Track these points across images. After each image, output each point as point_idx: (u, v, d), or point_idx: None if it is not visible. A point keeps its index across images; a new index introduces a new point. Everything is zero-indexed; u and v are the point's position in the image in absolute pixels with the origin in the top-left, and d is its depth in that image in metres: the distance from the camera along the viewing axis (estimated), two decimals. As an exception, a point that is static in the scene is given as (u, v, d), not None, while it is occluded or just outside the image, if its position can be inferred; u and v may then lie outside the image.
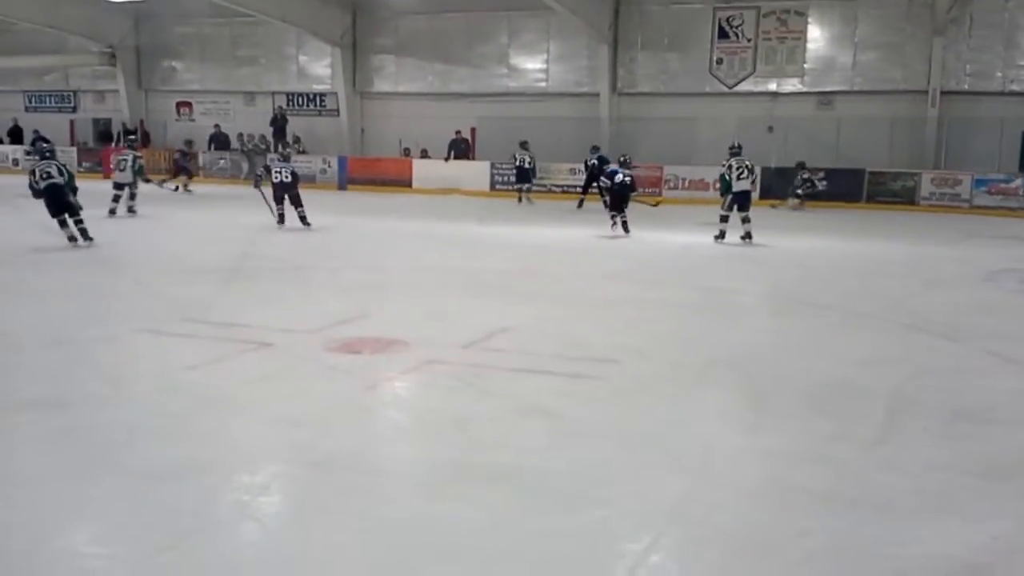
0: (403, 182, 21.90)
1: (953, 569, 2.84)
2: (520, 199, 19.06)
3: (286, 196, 13.01)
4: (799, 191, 17.87)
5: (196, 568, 2.73)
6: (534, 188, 19.47)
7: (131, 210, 14.62)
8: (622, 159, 14.49)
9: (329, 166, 23.23)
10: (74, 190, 10.28)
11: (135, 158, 15.11)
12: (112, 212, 14.18)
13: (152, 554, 2.80)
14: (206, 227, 13.70)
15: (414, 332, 5.93)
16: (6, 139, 26.25)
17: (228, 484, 3.41)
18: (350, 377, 4.94)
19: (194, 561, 2.77)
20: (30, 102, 28.43)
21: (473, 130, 22.53)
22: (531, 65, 22.52)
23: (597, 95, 21.53)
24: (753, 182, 12.53)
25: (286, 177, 12.96)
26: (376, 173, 22.40)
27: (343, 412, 4.35)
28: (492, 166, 21.45)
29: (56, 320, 6.21)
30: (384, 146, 23.51)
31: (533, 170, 19.29)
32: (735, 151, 12.45)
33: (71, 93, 28.03)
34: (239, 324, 6.14)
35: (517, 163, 19.48)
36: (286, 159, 14.01)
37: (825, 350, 5.95)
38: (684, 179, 19.95)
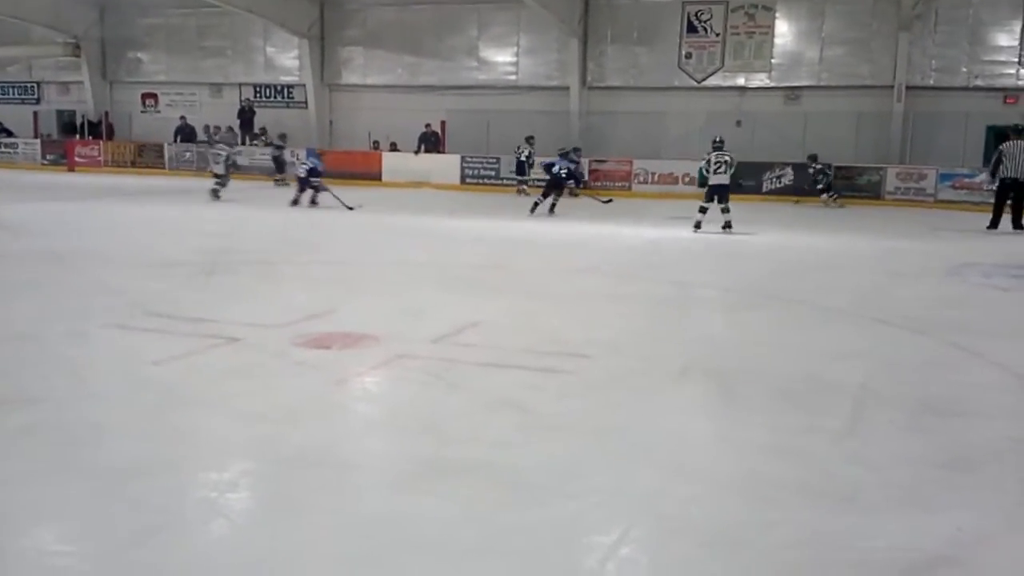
0: (372, 175, 21.82)
1: (919, 560, 2.87)
2: (519, 192, 18.93)
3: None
4: (820, 185, 17.93)
5: (164, 565, 2.69)
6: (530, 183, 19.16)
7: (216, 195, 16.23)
8: (562, 151, 15.88)
9: (297, 159, 23.04)
10: None
11: (229, 155, 17.08)
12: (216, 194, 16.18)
13: (120, 551, 2.76)
14: (171, 220, 13.55)
15: (384, 327, 5.90)
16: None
17: (196, 481, 3.37)
18: (319, 372, 4.90)
19: (163, 558, 2.73)
20: (-9, 93, 27.91)
21: (443, 123, 22.47)
22: (501, 58, 22.51)
23: (567, 89, 21.57)
24: (733, 175, 12.77)
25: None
26: (345, 166, 22.22)
27: (312, 407, 4.32)
28: (463, 159, 21.41)
29: (18, 315, 6.10)
30: (353, 139, 23.39)
31: (530, 164, 19.19)
32: (717, 145, 12.81)
33: (35, 84, 27.58)
34: (207, 319, 6.07)
35: (517, 156, 19.45)
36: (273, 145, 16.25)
37: (795, 344, 6.00)
38: (653, 173, 20.07)
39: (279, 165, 20.44)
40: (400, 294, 7.40)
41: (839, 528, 3.05)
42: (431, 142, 22.06)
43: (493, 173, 21.34)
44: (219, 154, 17.01)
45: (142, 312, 6.21)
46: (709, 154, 12.69)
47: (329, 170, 22.36)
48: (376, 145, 22.93)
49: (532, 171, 19.05)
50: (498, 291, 7.80)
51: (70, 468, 3.40)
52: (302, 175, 15.41)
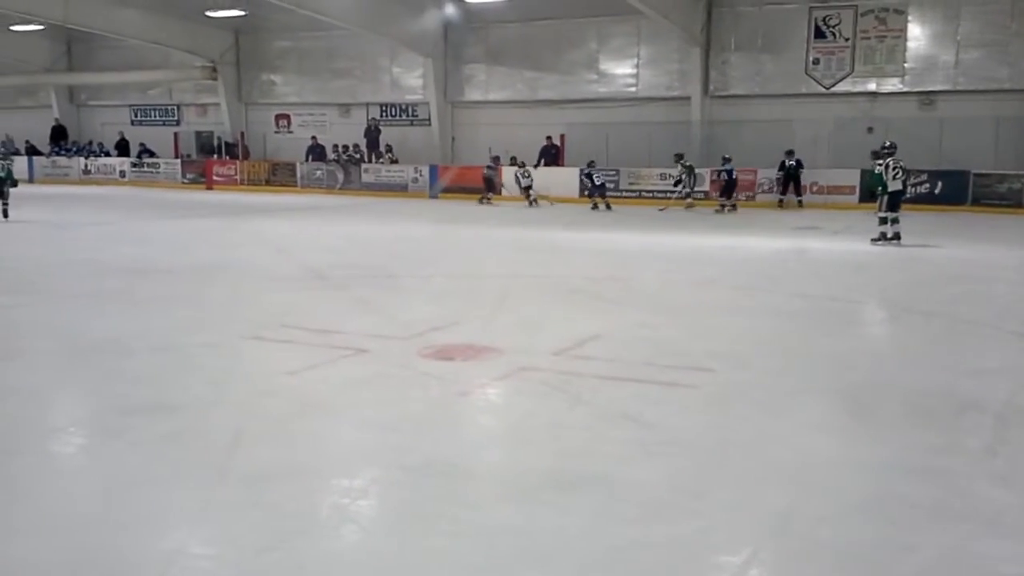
0: (493, 189, 22.03)
1: (1073, 591, 2.70)
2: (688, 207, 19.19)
3: None
4: (682, 187, 18.74)
5: (298, 569, 2.80)
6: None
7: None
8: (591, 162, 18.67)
9: (420, 175, 23.59)
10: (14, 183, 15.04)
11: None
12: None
13: (256, 555, 2.89)
14: (301, 236, 14.08)
15: (505, 339, 5.97)
16: (113, 152, 27.47)
17: (328, 487, 3.50)
18: (443, 383, 5.00)
19: (296, 562, 2.84)
20: (136, 116, 29.73)
21: (562, 136, 22.56)
22: (620, 70, 22.43)
23: (688, 99, 21.29)
24: (905, 183, 12.37)
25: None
26: (466, 181, 22.58)
27: (437, 417, 4.41)
28: (581, 172, 21.41)
29: (162, 327, 6.46)
30: (474, 154, 23.74)
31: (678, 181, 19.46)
32: (890, 150, 12.21)
33: (175, 107, 29.19)
34: (336, 331, 6.28)
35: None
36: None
37: (930, 358, 5.73)
38: (778, 181, 19.53)
39: (490, 185, 21.00)
40: (521, 307, 7.47)
41: (982, 552, 2.90)
42: (551, 155, 22.18)
43: (612, 185, 21.26)
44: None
45: (277, 324, 6.48)
46: (886, 160, 12.06)
47: (450, 185, 22.90)
48: (497, 160, 23.21)
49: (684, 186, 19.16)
50: (617, 304, 7.76)
51: (211, 473, 3.58)
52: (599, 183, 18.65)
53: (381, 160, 24.22)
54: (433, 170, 23.46)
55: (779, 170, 19.01)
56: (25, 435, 4.09)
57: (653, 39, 21.74)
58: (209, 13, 23.93)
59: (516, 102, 23.65)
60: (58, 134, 29.39)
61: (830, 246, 11.84)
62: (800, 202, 18.74)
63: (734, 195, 18.37)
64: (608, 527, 3.11)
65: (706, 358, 5.55)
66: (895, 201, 11.97)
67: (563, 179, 21.46)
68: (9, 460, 3.69)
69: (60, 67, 29.62)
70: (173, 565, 2.83)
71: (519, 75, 23.62)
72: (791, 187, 18.83)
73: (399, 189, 23.46)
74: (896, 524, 3.12)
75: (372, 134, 25.02)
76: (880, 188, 12.03)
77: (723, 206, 18.08)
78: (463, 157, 24.22)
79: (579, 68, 22.85)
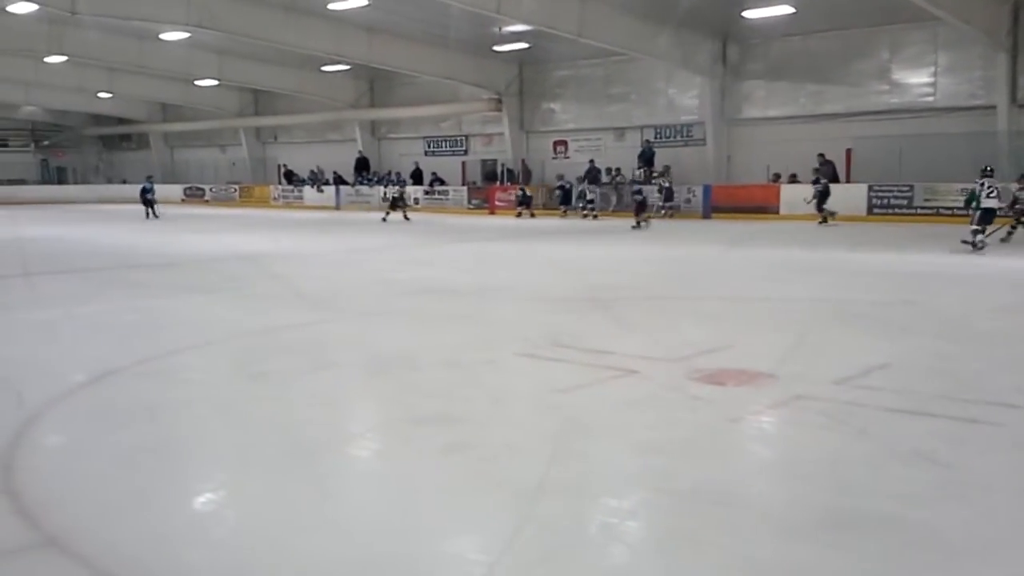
0: (770, 209, 21.38)
1: None
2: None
3: None
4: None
5: (566, 584, 2.86)
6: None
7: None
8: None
9: (694, 195, 23.34)
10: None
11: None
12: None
13: (529, 567, 2.98)
14: (573, 257, 14.41)
15: (781, 365, 5.73)
16: (409, 180, 29.72)
17: (597, 506, 3.54)
18: (714, 408, 4.89)
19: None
20: (429, 147, 32.05)
21: (848, 151, 21.36)
22: (916, 79, 20.88)
23: (993, 108, 19.36)
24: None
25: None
26: (741, 200, 22.06)
27: (707, 443, 4.32)
28: (869, 188, 20.18)
29: (446, 344, 6.87)
30: (750, 172, 23.13)
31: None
32: (988, 172, 13.63)
33: (463, 137, 31.12)
34: (606, 351, 6.35)
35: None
36: None
37: None
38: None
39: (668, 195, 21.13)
40: (797, 331, 7.13)
41: None
42: (827, 172, 21.07)
43: (905, 202, 19.80)
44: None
45: (550, 343, 6.68)
46: (981, 180, 13.40)
47: (725, 204, 22.45)
48: (776, 178, 22.44)
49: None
50: (908, 330, 7.19)
51: (488, 484, 3.75)
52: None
53: (653, 182, 24.27)
54: (707, 190, 23.13)
55: None
56: (331, 439, 4.52)
57: (953, 45, 20.04)
58: (496, 48, 25.32)
59: (796, 117, 22.77)
60: (361, 165, 32.41)
61: None
62: None
63: None
64: (897, 573, 2.88)
65: (1013, 393, 4.99)
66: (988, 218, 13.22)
67: (846, 197, 20.29)
68: (318, 461, 4.10)
69: (363, 103, 32.70)
70: (451, 570, 3.00)
71: (801, 89, 22.73)
72: None
73: (671, 209, 23.35)
74: None
75: (646, 156, 25.17)
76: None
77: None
78: (739, 176, 23.67)
79: (868, 79, 21.56)
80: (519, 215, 25.39)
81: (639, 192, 20.62)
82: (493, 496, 3.60)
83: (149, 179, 26.69)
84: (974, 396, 4.97)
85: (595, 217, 23.51)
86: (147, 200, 25.14)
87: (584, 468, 3.94)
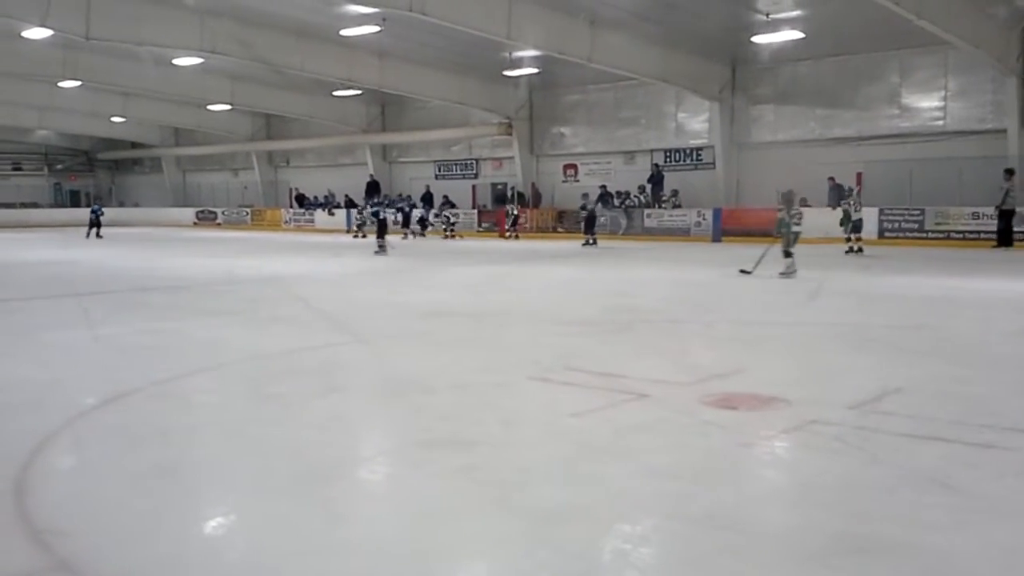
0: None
1: None
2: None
3: None
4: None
5: (579, 610, 2.84)
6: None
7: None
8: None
9: (703, 219, 23.36)
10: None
11: None
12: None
13: (540, 591, 2.97)
14: (583, 280, 14.42)
15: (794, 389, 5.71)
16: (419, 203, 29.83)
17: (610, 531, 3.53)
18: (726, 433, 4.87)
19: (578, 603, 2.89)
20: (439, 170, 32.22)
21: (859, 175, 21.37)
22: (926, 103, 20.93)
23: (1003, 131, 19.37)
24: None
25: None
26: (751, 224, 22.03)
27: (718, 468, 4.30)
28: (880, 212, 20.15)
29: (457, 366, 6.88)
30: (759, 196, 23.14)
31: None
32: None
33: (474, 161, 31.30)
34: (618, 375, 6.34)
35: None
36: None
37: None
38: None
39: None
40: (809, 356, 7.12)
41: None
42: (834, 196, 21.10)
43: (916, 226, 19.77)
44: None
45: (561, 366, 6.67)
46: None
47: (735, 228, 22.42)
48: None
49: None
50: (921, 354, 7.16)
51: (501, 508, 3.74)
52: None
53: (663, 205, 24.31)
54: (717, 213, 23.15)
55: None
56: (343, 462, 4.53)
57: (963, 70, 20.11)
58: (507, 73, 25.50)
59: (806, 141, 22.82)
60: (372, 188, 32.59)
61: None
62: None
63: None
64: (910, 600, 2.86)
65: (1028, 419, 4.95)
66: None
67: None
68: (330, 484, 4.10)
69: (375, 128, 32.95)
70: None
71: (811, 113, 22.81)
72: None
73: (681, 233, 23.38)
74: None
75: (655, 179, 25.24)
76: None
77: None
78: (748, 199, 23.68)
79: (878, 103, 21.62)
80: (507, 237, 25.36)
81: (584, 208, 21.85)
82: (505, 520, 3.59)
83: (99, 201, 32.57)
84: (988, 421, 4.94)
85: (594, 243, 22.10)
86: (95, 221, 27.69)
87: (597, 492, 3.93)
